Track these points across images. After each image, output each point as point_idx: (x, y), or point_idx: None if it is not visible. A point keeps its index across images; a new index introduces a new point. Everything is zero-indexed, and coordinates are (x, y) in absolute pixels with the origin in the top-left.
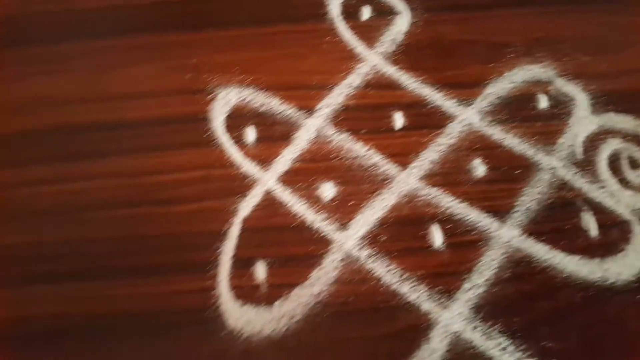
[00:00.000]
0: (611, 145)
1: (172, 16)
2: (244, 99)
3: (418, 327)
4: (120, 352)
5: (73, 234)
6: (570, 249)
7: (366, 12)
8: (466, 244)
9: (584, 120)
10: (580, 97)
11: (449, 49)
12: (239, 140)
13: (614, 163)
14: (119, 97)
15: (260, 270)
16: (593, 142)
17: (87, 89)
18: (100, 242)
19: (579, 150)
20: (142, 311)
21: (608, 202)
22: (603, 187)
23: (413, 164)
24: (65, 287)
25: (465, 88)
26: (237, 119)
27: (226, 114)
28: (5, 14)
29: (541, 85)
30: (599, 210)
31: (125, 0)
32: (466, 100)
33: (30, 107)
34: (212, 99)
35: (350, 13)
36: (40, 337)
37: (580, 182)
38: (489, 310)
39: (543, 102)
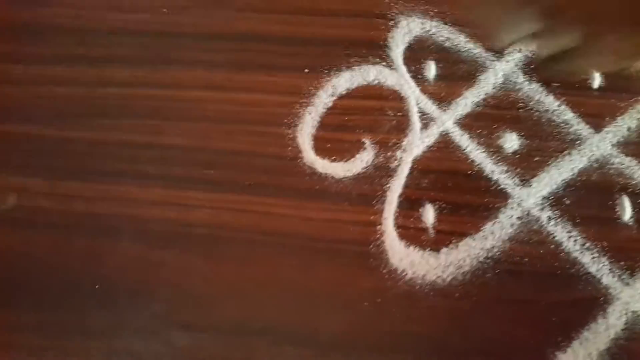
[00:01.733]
0: None
1: None
2: (427, 31)
3: (596, 299)
4: (280, 269)
5: (240, 146)
6: None
7: None
8: None
9: None
10: None
11: None
12: (418, 74)
13: None
14: (295, 11)
15: (428, 214)
16: None
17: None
18: (269, 157)
19: None
20: (305, 233)
21: None
22: None
23: (608, 128)
24: (236, 199)
25: None
26: (418, 52)
27: (407, 44)
28: None
29: None
30: None
31: None
32: None
33: (201, 10)
34: (393, 26)
35: None
36: (197, 241)
37: None
38: None
39: None
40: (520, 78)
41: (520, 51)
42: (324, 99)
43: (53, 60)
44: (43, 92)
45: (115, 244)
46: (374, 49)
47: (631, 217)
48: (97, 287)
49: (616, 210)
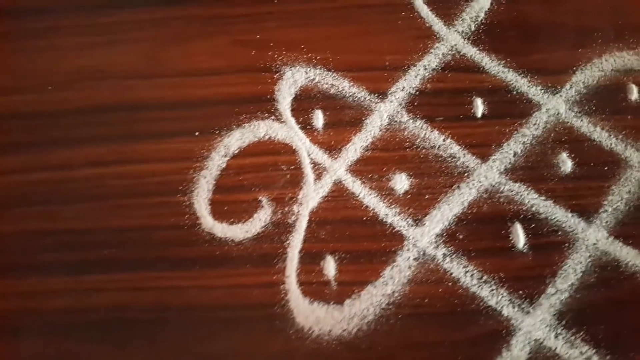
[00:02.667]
0: None
1: None
2: (312, 80)
3: (498, 333)
4: (188, 344)
5: (136, 222)
6: None
7: None
8: (550, 245)
9: None
10: None
11: (534, 31)
12: (306, 124)
13: None
14: (181, 74)
15: (329, 266)
16: None
17: (147, 64)
18: (166, 229)
19: None
20: (209, 304)
21: None
22: None
23: (494, 156)
24: (135, 277)
25: (551, 74)
26: (304, 101)
27: (293, 95)
28: None
29: (633, 74)
30: None
31: None
32: (552, 87)
33: (87, 82)
34: (279, 79)
35: None
36: (99, 327)
37: None
38: (573, 317)
39: (634, 94)
40: (405, 117)
41: (403, 90)
42: (217, 160)
43: None
44: None
45: (16, 343)
46: (262, 104)
47: (525, 244)
48: None
49: (510, 238)
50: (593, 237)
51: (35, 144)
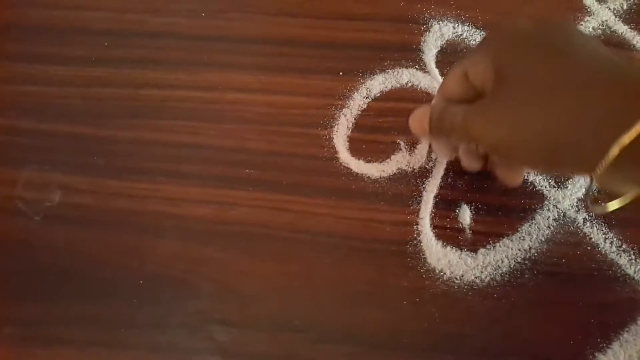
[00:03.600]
0: None
1: None
2: (459, 35)
3: (635, 301)
4: (317, 267)
5: (278, 147)
6: None
7: None
8: None
9: None
10: None
11: None
12: None
13: None
14: (329, 17)
15: (465, 214)
16: None
17: (299, 4)
18: (306, 158)
19: None
20: (341, 232)
21: None
22: None
23: None
24: (273, 198)
25: None
26: (450, 55)
27: (439, 48)
28: None
29: None
30: None
31: None
32: None
33: (238, 14)
34: (426, 30)
35: None
36: (236, 238)
37: None
38: None
39: None
40: None
41: None
42: (358, 101)
43: (94, 62)
44: (84, 93)
45: (156, 241)
46: (407, 53)
47: None
48: (140, 282)
49: None
50: None
51: (187, 62)
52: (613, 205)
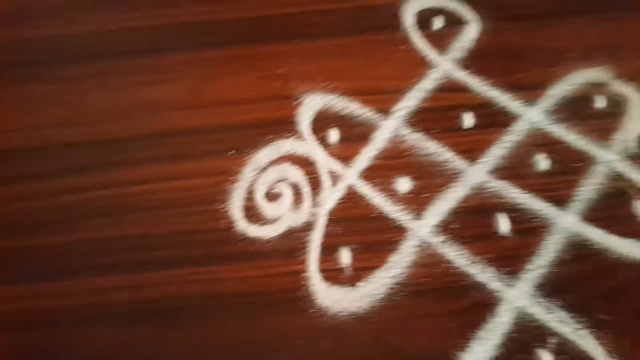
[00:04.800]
0: None
1: (265, 29)
2: (327, 104)
3: (487, 303)
4: (228, 326)
5: (184, 227)
6: (624, 233)
7: (438, 22)
8: (530, 230)
9: (638, 118)
10: (635, 97)
11: (515, 55)
12: (323, 141)
13: None
14: (217, 104)
15: (345, 256)
16: None
17: (188, 97)
18: (208, 232)
19: (633, 144)
20: (245, 291)
21: None
22: None
23: (481, 160)
24: (184, 272)
25: (529, 90)
26: (321, 122)
27: (311, 118)
28: (113, 28)
29: (597, 86)
30: None
31: (226, 15)
32: (530, 101)
33: (139, 114)
34: (299, 104)
35: (423, 23)
36: (156, 314)
37: (633, 174)
38: (550, 288)
39: (599, 102)
40: (405, 130)
41: (403, 109)
42: (248, 174)
43: (16, 179)
44: (9, 208)
45: (84, 331)
46: (285, 126)
47: (509, 230)
48: None
49: (495, 226)
50: (566, 222)
51: (100, 166)
52: None
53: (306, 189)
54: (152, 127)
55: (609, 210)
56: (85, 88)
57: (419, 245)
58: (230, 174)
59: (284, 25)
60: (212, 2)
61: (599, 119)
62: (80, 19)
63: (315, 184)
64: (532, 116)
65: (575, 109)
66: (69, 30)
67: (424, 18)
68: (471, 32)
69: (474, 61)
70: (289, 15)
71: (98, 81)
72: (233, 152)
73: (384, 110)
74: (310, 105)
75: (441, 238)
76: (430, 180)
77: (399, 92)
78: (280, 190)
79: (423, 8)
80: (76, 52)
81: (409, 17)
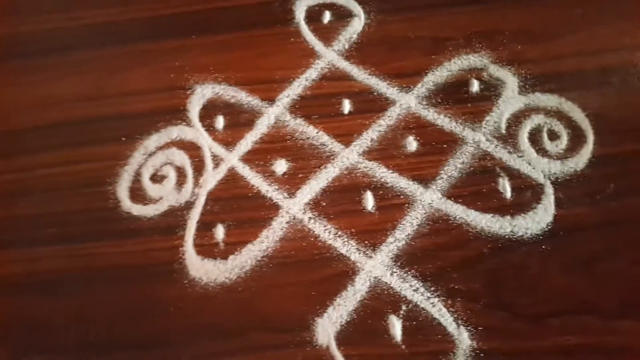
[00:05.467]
0: (534, 121)
1: (165, 26)
2: (217, 93)
3: (346, 273)
4: (114, 295)
5: (74, 206)
6: (485, 209)
7: (327, 16)
8: (393, 206)
9: (511, 100)
10: (510, 80)
11: (396, 44)
12: (210, 127)
13: (535, 135)
14: (118, 95)
15: (219, 232)
16: (518, 118)
17: (92, 90)
18: (97, 211)
19: (503, 125)
20: (127, 264)
21: (525, 168)
22: (521, 156)
23: (355, 142)
24: (72, 247)
25: (406, 77)
26: (210, 110)
27: (201, 106)
28: (23, 30)
29: (475, 71)
30: (515, 176)
31: (129, 16)
32: (407, 87)
33: (43, 106)
34: (191, 94)
35: (312, 17)
36: (45, 285)
37: (501, 153)
38: (407, 259)
39: (475, 86)
40: (288, 117)
41: (288, 97)
42: (137, 158)
43: None
44: None
45: None
46: (176, 114)
47: (373, 207)
48: None
49: (362, 203)
50: (429, 198)
51: (3, 154)
52: None
53: (190, 171)
54: (54, 117)
55: (472, 187)
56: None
57: (289, 222)
58: (121, 158)
59: (184, 22)
60: (117, 4)
61: (472, 103)
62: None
63: (199, 167)
64: (406, 101)
65: (450, 94)
66: None
67: (315, 13)
68: (357, 24)
69: (358, 52)
70: (189, 13)
71: (13, 79)
72: (125, 139)
73: (270, 99)
74: (202, 94)
75: (310, 214)
76: (306, 161)
77: (285, 82)
78: (166, 172)
79: (315, 4)
80: None
81: (300, 12)
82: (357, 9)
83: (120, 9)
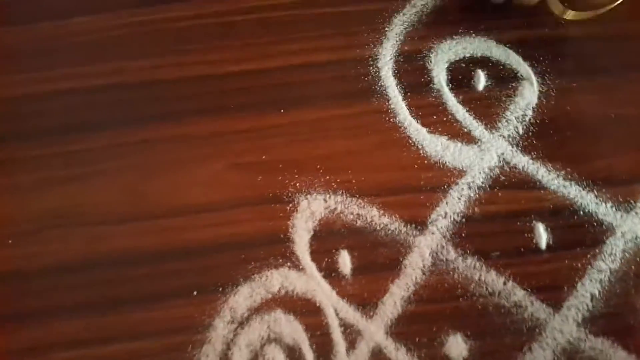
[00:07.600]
0: None
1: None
2: (333, 210)
3: None
4: None
5: None
6: None
7: (481, 79)
8: None
9: None
10: None
11: (594, 129)
12: (331, 271)
13: None
14: (167, 214)
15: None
16: None
17: (125, 203)
18: None
19: None
20: None
21: None
22: None
23: (568, 302)
24: None
25: (621, 185)
26: (326, 239)
27: (312, 233)
28: None
29: None
30: None
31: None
32: (625, 202)
33: (54, 231)
34: (293, 211)
35: (460, 81)
36: None
37: None
38: None
39: None
40: (452, 253)
41: (445, 216)
42: (221, 330)
43: None
44: None
45: None
46: (274, 246)
47: None
48: None
49: None
50: None
51: None
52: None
53: (310, 357)
54: (70, 252)
55: None
56: None
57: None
58: (194, 329)
59: (260, 88)
60: None
61: None
62: None
63: (324, 348)
64: (630, 228)
65: None
66: None
67: (461, 73)
68: (529, 94)
69: (539, 140)
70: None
71: None
72: (197, 292)
73: (417, 220)
74: (310, 212)
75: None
76: (497, 339)
77: (436, 190)
78: (271, 357)
79: (458, 58)
80: None
81: (440, 71)
82: (524, 69)
83: None
